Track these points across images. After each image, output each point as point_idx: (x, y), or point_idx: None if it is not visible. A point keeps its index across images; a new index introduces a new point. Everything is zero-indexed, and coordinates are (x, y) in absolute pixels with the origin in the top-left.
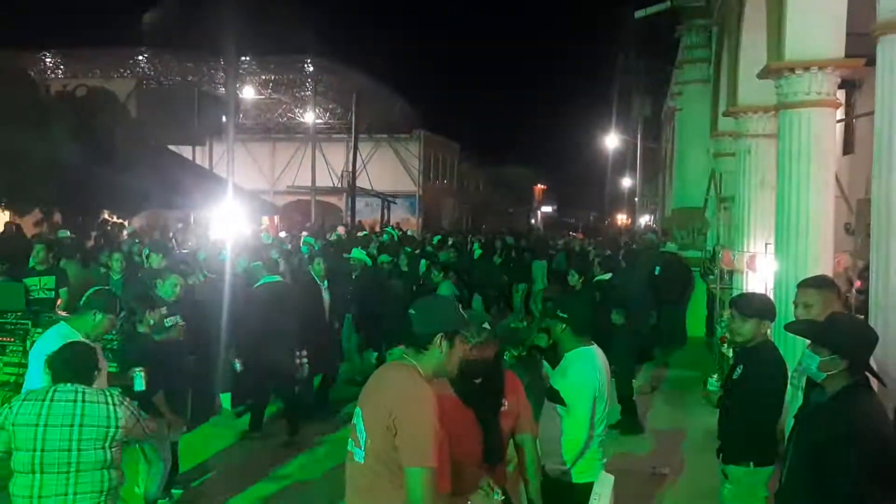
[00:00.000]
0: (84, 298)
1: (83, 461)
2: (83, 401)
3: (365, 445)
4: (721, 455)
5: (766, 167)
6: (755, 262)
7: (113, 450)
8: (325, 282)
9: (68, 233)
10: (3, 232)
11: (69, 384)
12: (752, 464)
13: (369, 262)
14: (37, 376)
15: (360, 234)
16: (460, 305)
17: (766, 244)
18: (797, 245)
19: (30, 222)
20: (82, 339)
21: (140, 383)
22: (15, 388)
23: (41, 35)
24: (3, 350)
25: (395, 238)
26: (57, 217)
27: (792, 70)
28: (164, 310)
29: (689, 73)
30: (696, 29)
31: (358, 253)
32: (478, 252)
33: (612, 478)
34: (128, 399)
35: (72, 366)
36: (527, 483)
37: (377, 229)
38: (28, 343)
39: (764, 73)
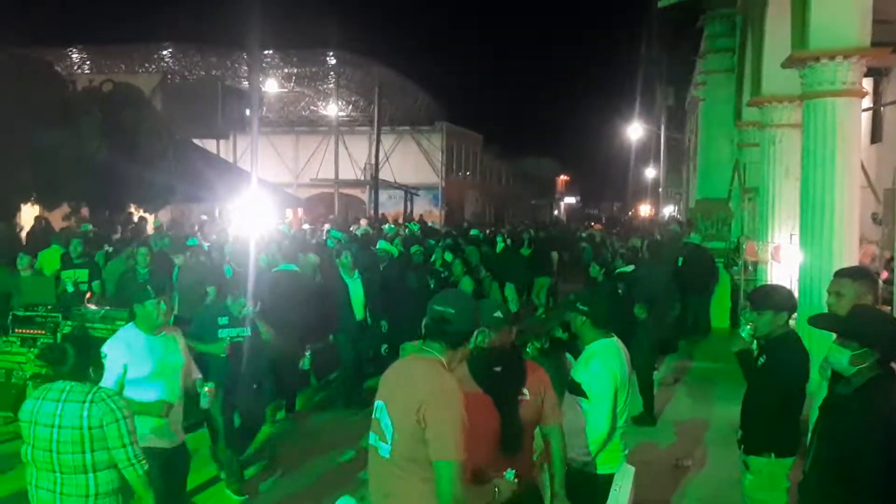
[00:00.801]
0: (135, 295)
1: (63, 463)
2: (65, 401)
3: (392, 440)
4: (742, 446)
5: (790, 157)
6: (780, 252)
7: (95, 453)
8: (357, 275)
9: (90, 227)
10: (32, 227)
11: (62, 381)
12: (773, 454)
13: (395, 252)
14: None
15: (384, 227)
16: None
17: (791, 235)
18: (822, 236)
19: (58, 217)
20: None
21: (205, 401)
22: (45, 380)
23: (67, 31)
24: (34, 343)
25: (416, 233)
26: (84, 211)
27: (817, 59)
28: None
29: (713, 62)
30: (719, 18)
31: (384, 244)
32: (500, 245)
33: (632, 469)
34: (114, 396)
35: (65, 362)
36: (552, 475)
37: (400, 221)
38: (59, 336)
39: (788, 63)
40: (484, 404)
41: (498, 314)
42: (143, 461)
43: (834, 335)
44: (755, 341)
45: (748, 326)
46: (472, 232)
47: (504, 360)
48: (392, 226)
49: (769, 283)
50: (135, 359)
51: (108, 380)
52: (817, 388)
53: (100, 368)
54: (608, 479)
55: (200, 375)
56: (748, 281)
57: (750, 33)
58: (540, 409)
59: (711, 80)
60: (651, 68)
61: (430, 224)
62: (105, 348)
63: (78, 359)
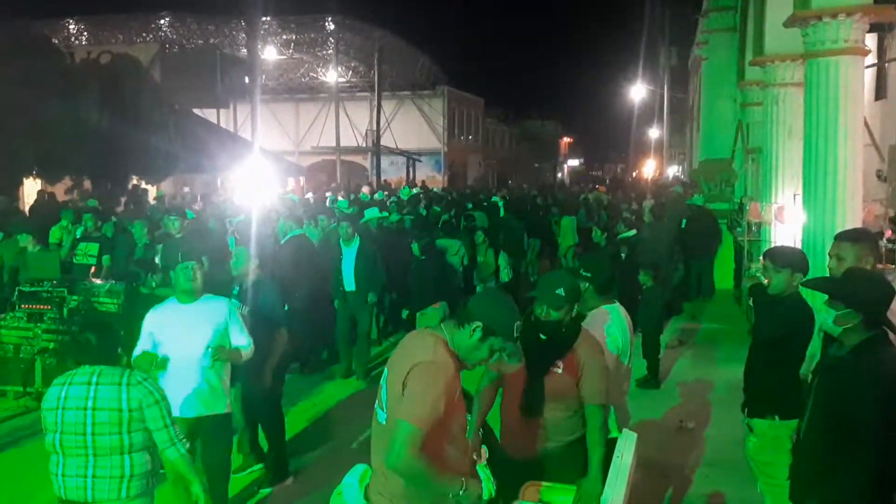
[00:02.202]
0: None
1: (98, 446)
2: (97, 383)
3: (386, 406)
4: (745, 409)
5: (794, 117)
6: (783, 213)
7: (132, 434)
8: (354, 244)
9: (97, 203)
10: (35, 201)
11: (88, 366)
12: (776, 417)
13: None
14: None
15: (374, 195)
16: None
17: (795, 195)
18: (825, 195)
19: (61, 190)
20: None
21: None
22: (54, 354)
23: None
24: (41, 318)
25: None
26: (87, 184)
27: (819, 17)
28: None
29: (716, 21)
30: None
31: (371, 213)
32: (502, 210)
33: (635, 436)
34: (150, 379)
35: (92, 347)
36: (589, 453)
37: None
38: (65, 310)
39: (790, 22)
40: (521, 368)
41: (560, 291)
42: (184, 441)
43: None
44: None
45: (754, 269)
46: (493, 199)
47: (551, 332)
48: (381, 192)
49: (776, 243)
50: (162, 325)
51: (141, 346)
52: (813, 352)
53: (118, 346)
54: (611, 444)
55: (245, 343)
56: (752, 242)
57: None
58: (573, 386)
59: (714, 39)
60: (654, 28)
61: (433, 190)
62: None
63: (101, 343)
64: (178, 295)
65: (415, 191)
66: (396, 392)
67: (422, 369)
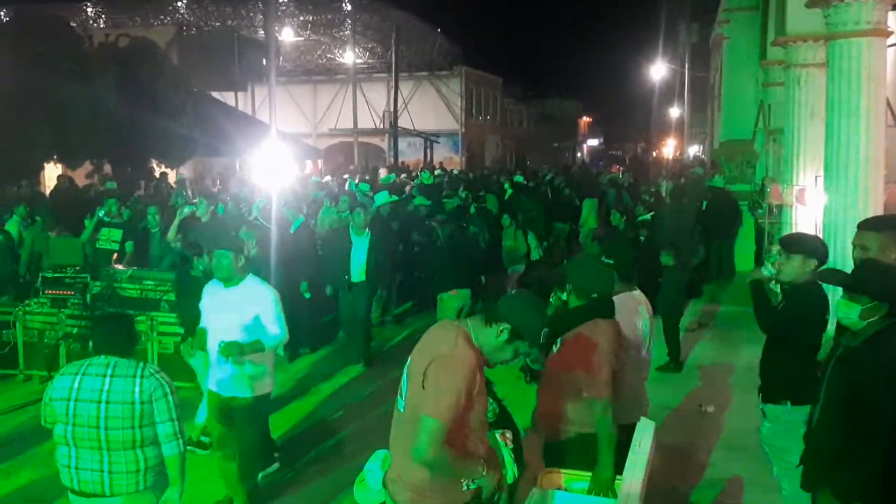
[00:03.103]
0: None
1: (112, 440)
2: (112, 375)
3: (406, 395)
4: (760, 394)
5: (816, 97)
6: (805, 195)
7: (143, 429)
8: (366, 234)
9: (115, 185)
10: (56, 186)
11: (104, 357)
12: (789, 403)
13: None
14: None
15: (385, 177)
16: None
17: (816, 177)
18: (847, 177)
19: (81, 175)
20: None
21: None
22: (77, 339)
23: None
24: (65, 303)
25: (430, 181)
26: (107, 168)
27: None
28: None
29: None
30: None
31: (382, 198)
32: (509, 192)
33: (653, 424)
34: (162, 371)
35: (109, 338)
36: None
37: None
38: (88, 296)
39: (813, 2)
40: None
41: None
42: (185, 440)
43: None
44: (778, 285)
45: (771, 265)
46: (516, 178)
47: (566, 315)
48: (391, 175)
49: (796, 227)
50: (207, 306)
51: (202, 322)
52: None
53: (134, 341)
54: (630, 430)
55: (278, 333)
56: (773, 224)
57: None
58: (566, 371)
59: (736, 18)
60: (674, 5)
61: (453, 171)
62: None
63: (117, 334)
64: (218, 279)
65: (437, 173)
66: (417, 384)
67: (442, 362)
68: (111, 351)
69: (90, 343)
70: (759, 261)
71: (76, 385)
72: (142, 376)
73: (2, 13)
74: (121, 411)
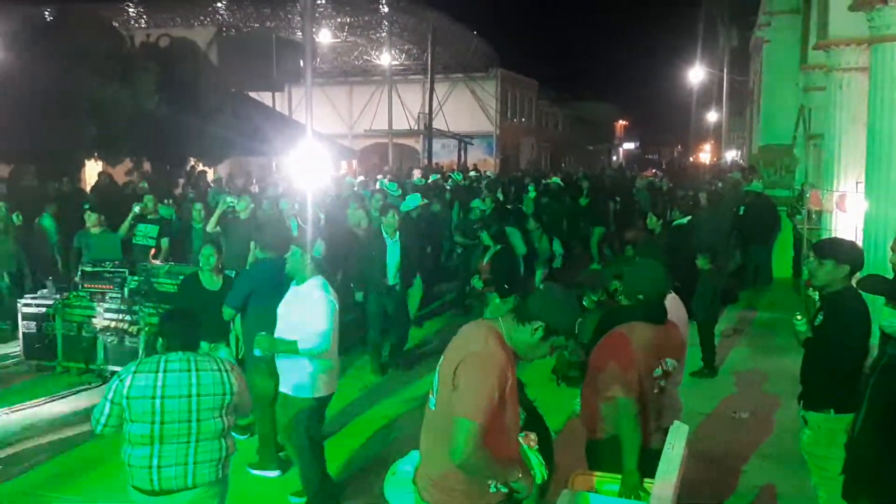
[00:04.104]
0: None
1: (202, 431)
2: (196, 370)
3: (437, 394)
4: (802, 401)
5: (857, 102)
6: (845, 201)
7: (227, 418)
8: (397, 236)
9: (146, 184)
10: (96, 182)
11: (179, 353)
12: (832, 410)
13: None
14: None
15: (414, 179)
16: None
17: (857, 183)
18: (889, 183)
19: (120, 172)
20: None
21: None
22: (115, 332)
23: None
24: (103, 297)
25: (459, 182)
26: (147, 166)
27: (885, 1)
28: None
29: (778, 2)
30: None
31: (414, 199)
32: (532, 193)
33: (686, 427)
34: (234, 365)
35: (181, 333)
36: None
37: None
38: (125, 290)
39: (856, 5)
40: None
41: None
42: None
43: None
44: (818, 294)
45: (799, 317)
46: (553, 181)
47: (605, 317)
48: (421, 178)
49: (836, 234)
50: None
51: None
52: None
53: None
54: (663, 434)
55: (314, 340)
56: (812, 230)
57: None
58: (598, 373)
59: (776, 22)
60: (713, 8)
61: (485, 173)
62: None
63: (188, 330)
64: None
65: (472, 175)
66: (448, 383)
67: (472, 361)
68: (184, 346)
69: (127, 338)
70: (797, 267)
71: (160, 383)
72: (226, 370)
73: (46, 12)
74: (212, 402)
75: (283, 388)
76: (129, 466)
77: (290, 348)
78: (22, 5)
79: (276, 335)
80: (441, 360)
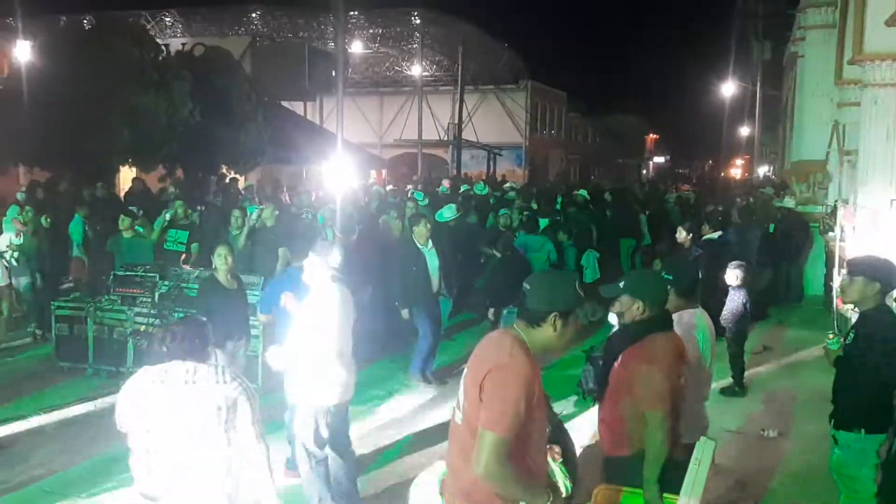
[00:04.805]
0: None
1: (206, 444)
2: (195, 382)
3: (463, 407)
4: (833, 420)
5: (893, 118)
6: (879, 218)
7: (230, 433)
8: (431, 244)
9: (173, 189)
10: (130, 188)
11: (182, 362)
12: (863, 431)
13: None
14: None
15: (438, 188)
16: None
17: (892, 200)
18: None
19: (153, 178)
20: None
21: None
22: (145, 336)
23: None
24: (134, 301)
25: (484, 191)
26: (179, 173)
27: None
28: None
29: (813, 17)
30: None
31: (450, 211)
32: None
33: (713, 443)
34: (242, 376)
35: (185, 342)
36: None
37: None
38: (156, 294)
39: (892, 20)
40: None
41: (625, 290)
42: (267, 444)
43: None
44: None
45: (832, 338)
46: (580, 193)
47: (625, 328)
48: (445, 187)
49: (868, 251)
50: None
51: None
52: None
53: (209, 344)
54: (689, 449)
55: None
56: (844, 248)
57: None
58: (628, 385)
59: (811, 36)
60: (746, 22)
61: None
62: None
63: (195, 337)
64: None
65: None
66: (473, 395)
67: (499, 373)
68: (188, 355)
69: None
70: (828, 284)
71: (159, 393)
72: (224, 381)
73: (84, 21)
74: (206, 417)
75: (292, 395)
76: (133, 470)
77: (294, 358)
78: (61, 14)
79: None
80: (465, 371)
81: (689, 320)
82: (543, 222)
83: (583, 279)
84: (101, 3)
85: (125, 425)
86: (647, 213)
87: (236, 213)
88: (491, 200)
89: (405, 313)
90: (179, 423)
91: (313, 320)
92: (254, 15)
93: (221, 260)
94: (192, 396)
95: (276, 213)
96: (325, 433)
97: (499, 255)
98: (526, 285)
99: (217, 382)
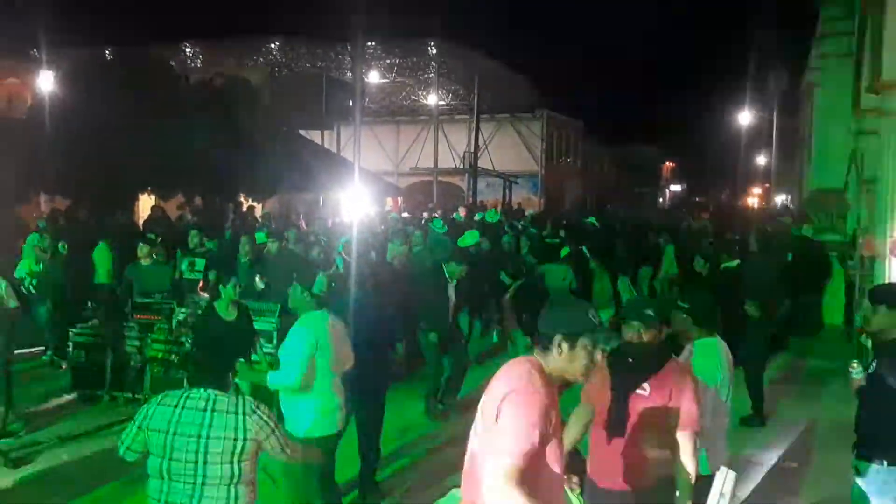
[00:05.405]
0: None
1: (209, 475)
2: (212, 410)
3: (479, 432)
4: (855, 450)
5: None
6: None
7: (243, 464)
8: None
9: (188, 216)
10: (149, 216)
11: (202, 389)
12: (885, 462)
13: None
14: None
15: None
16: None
17: None
18: None
19: (172, 206)
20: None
21: None
22: (162, 363)
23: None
24: (151, 328)
25: (495, 219)
26: (198, 201)
27: None
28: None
29: (830, 45)
30: (837, 0)
31: (471, 237)
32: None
33: (734, 474)
34: (264, 408)
35: (206, 369)
36: (678, 482)
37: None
38: (174, 321)
39: None
40: (605, 387)
41: (649, 311)
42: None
43: None
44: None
45: (856, 367)
46: (589, 220)
47: (639, 354)
48: (460, 215)
49: (891, 279)
50: None
51: None
52: None
53: (230, 372)
54: (707, 480)
55: (283, 372)
56: (864, 277)
57: (869, 15)
58: (662, 411)
59: (828, 65)
60: (762, 52)
61: (527, 213)
62: None
63: (214, 364)
64: None
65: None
66: (490, 421)
67: (515, 399)
68: (208, 383)
69: (172, 369)
70: (849, 314)
71: (175, 419)
72: (244, 413)
73: (107, 52)
74: (222, 446)
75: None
76: (148, 497)
77: (261, 381)
78: (84, 45)
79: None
80: (483, 399)
81: (725, 354)
82: (565, 251)
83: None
84: (122, 35)
85: (148, 445)
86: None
87: (244, 240)
88: (506, 227)
89: (433, 336)
90: (193, 450)
91: (299, 349)
92: (273, 46)
93: (227, 291)
94: (209, 424)
95: (285, 242)
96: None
97: (518, 281)
98: (543, 312)
99: (235, 413)
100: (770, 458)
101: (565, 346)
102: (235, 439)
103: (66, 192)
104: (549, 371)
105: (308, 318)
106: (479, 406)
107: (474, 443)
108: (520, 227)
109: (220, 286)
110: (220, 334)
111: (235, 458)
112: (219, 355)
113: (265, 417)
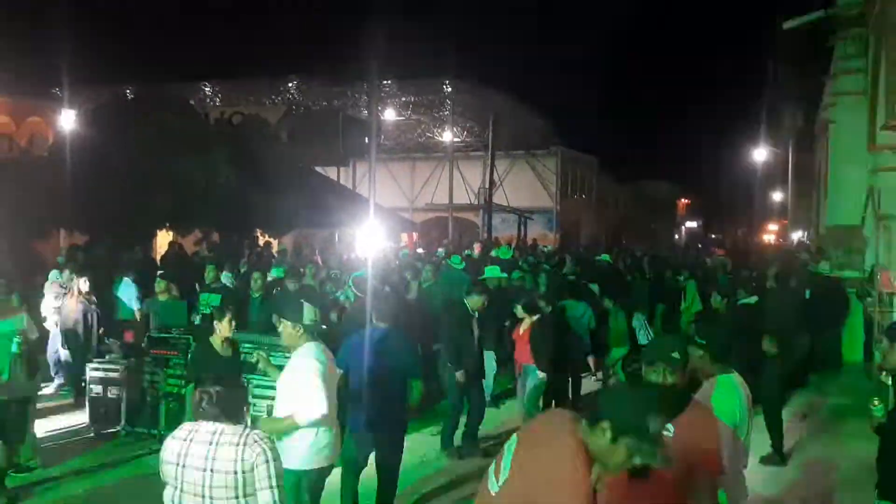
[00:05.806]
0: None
1: None
2: (217, 443)
3: (503, 481)
4: (877, 489)
5: None
6: None
7: (248, 498)
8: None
9: (204, 251)
10: (167, 252)
11: (211, 422)
12: None
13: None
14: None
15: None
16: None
17: None
18: None
19: (190, 241)
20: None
21: None
22: (177, 398)
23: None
24: (168, 363)
25: (507, 255)
26: (215, 237)
27: None
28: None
29: (844, 83)
30: (851, 39)
31: (493, 271)
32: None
33: None
34: (265, 438)
35: (216, 403)
36: None
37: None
38: (189, 356)
39: None
40: None
41: (675, 354)
42: None
43: None
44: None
45: (877, 405)
46: (603, 257)
47: (664, 398)
48: (470, 251)
49: None
50: None
51: None
52: None
53: (243, 407)
54: None
55: (308, 409)
56: (883, 313)
57: (884, 53)
58: (687, 452)
59: (842, 102)
60: (777, 90)
61: (543, 248)
62: None
63: (227, 399)
64: None
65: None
66: (520, 485)
67: (561, 489)
68: (216, 417)
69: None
70: (868, 351)
71: (184, 452)
72: (244, 444)
73: (128, 91)
74: (223, 480)
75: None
76: None
77: (290, 425)
78: (106, 84)
79: (275, 411)
80: (515, 441)
81: (742, 391)
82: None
83: (637, 341)
84: (142, 75)
85: (164, 476)
86: (694, 279)
87: (256, 275)
88: (520, 263)
89: (460, 374)
90: (200, 484)
91: (310, 381)
92: (290, 84)
93: (222, 328)
94: (212, 457)
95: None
96: (306, 496)
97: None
98: (609, 388)
99: (238, 444)
100: (789, 497)
101: (608, 434)
102: (235, 472)
103: (86, 228)
104: (591, 450)
105: (308, 350)
106: (508, 448)
107: (492, 484)
108: (533, 262)
109: (216, 321)
110: (210, 369)
111: (240, 493)
112: (234, 394)
113: (264, 447)
